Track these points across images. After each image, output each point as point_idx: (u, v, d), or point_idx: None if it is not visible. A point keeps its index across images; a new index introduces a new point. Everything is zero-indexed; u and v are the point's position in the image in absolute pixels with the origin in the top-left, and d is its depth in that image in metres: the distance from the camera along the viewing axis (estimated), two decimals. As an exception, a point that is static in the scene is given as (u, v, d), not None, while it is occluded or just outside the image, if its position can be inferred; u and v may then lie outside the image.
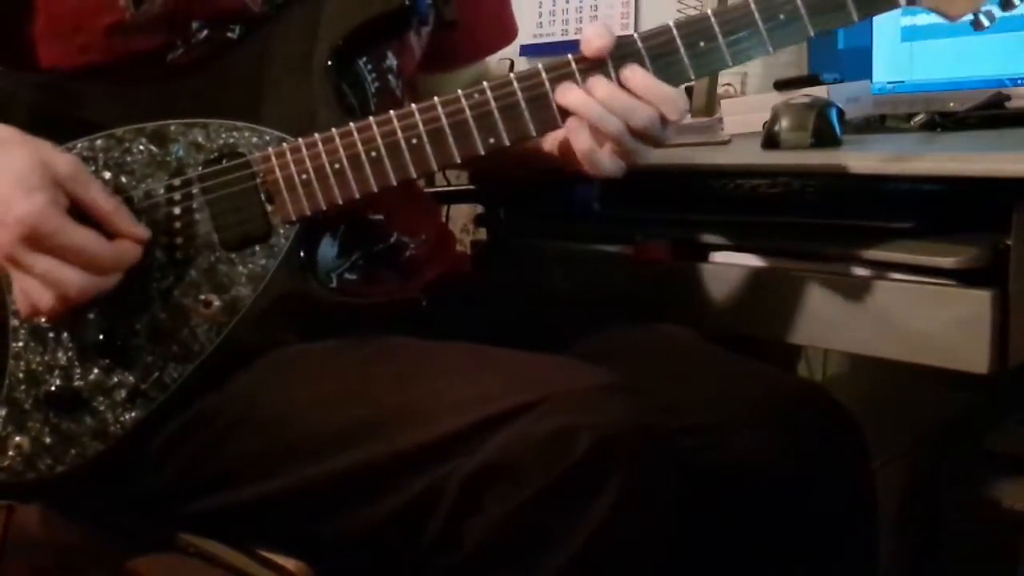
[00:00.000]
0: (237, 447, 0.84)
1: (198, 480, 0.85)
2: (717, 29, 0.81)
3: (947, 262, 0.88)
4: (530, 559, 0.73)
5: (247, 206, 0.86)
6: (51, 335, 0.86)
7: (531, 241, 1.26)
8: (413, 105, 0.84)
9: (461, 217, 1.83)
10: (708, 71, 0.84)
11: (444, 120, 0.84)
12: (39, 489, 0.87)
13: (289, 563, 0.84)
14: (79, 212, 0.80)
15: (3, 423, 0.85)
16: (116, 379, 0.85)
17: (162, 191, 0.87)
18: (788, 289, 1.00)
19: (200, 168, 0.87)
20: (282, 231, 0.87)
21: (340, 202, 0.86)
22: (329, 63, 0.88)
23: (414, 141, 0.84)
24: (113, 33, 0.88)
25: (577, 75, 0.83)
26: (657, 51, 0.83)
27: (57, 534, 0.96)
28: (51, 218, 0.77)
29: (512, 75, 0.84)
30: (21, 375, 0.86)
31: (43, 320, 0.84)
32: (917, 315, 0.90)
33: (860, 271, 0.95)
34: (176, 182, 0.87)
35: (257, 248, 0.87)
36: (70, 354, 0.85)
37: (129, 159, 0.87)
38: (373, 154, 0.85)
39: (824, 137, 1.06)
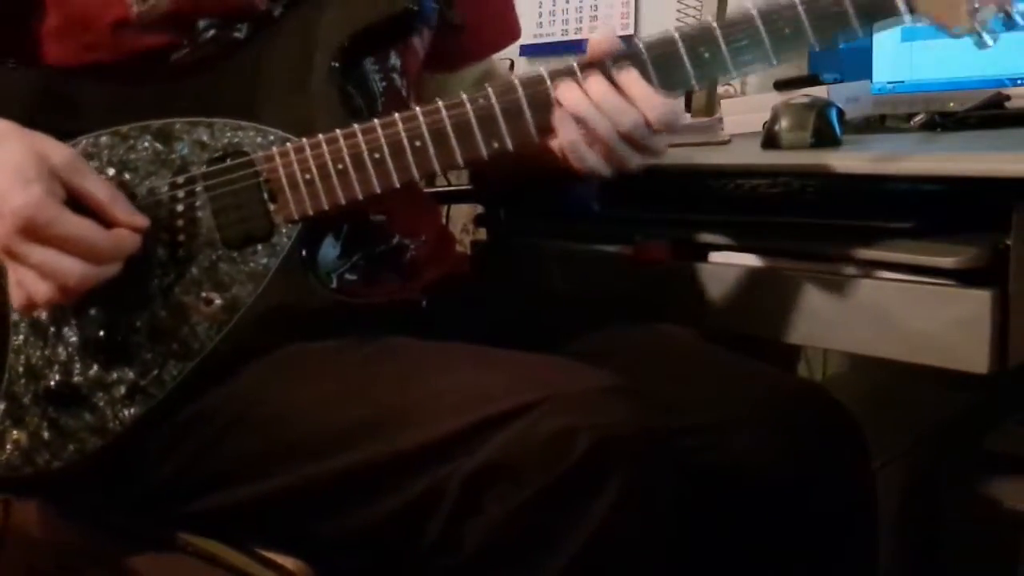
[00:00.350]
0: (237, 446, 0.84)
1: (198, 479, 0.85)
2: (721, 40, 0.82)
3: (947, 262, 0.88)
4: (530, 560, 0.73)
5: (250, 205, 0.86)
6: (51, 330, 0.86)
7: (531, 241, 1.26)
8: (417, 107, 0.85)
9: (461, 217, 1.83)
10: (710, 80, 0.84)
11: (447, 122, 0.84)
12: (36, 484, 0.87)
13: (289, 563, 0.84)
14: (77, 204, 0.80)
15: (2, 417, 0.86)
16: (116, 375, 0.85)
17: (165, 189, 0.87)
18: (788, 289, 1.00)
19: (204, 166, 0.87)
20: (284, 230, 0.87)
21: (342, 202, 0.86)
22: (334, 64, 0.88)
23: (417, 143, 0.84)
24: (119, 30, 0.88)
25: (580, 79, 0.83)
26: (660, 59, 0.83)
27: (56, 533, 0.96)
28: (48, 208, 0.77)
29: (516, 79, 0.84)
30: (21, 369, 0.86)
31: (38, 313, 0.84)
32: (917, 315, 0.90)
33: (860, 271, 0.95)
34: (179, 180, 0.87)
35: (259, 247, 0.87)
36: (70, 350, 0.86)
37: (133, 156, 0.87)
38: (376, 155, 0.85)
39: (824, 137, 1.06)
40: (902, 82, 1.41)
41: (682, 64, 0.83)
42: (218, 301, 0.86)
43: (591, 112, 0.82)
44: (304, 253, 0.88)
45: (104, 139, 0.87)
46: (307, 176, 0.86)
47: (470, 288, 1.07)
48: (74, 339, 0.86)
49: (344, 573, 0.85)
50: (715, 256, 1.07)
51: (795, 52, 0.82)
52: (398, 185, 0.85)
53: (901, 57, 1.41)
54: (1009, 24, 0.81)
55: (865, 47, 1.45)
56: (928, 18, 0.82)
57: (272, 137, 0.87)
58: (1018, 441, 1.31)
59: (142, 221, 0.83)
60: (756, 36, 0.81)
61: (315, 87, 0.88)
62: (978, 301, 0.86)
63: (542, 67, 0.84)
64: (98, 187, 0.81)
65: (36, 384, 0.86)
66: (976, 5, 0.80)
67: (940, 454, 1.36)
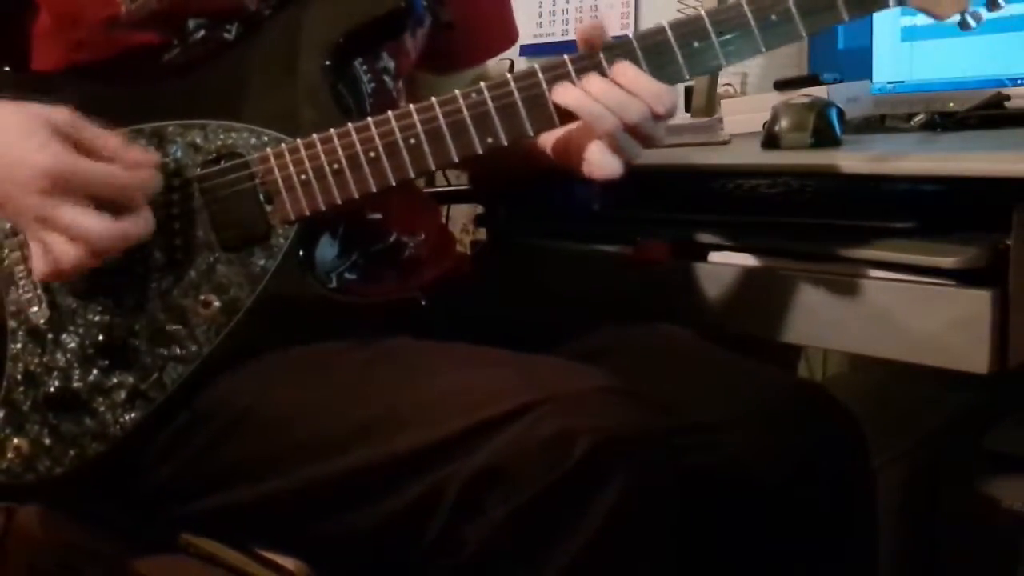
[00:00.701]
0: (236, 448, 0.84)
1: (197, 480, 0.85)
2: (711, 29, 0.82)
3: (947, 262, 0.88)
4: (530, 561, 0.73)
5: (246, 207, 0.86)
6: (50, 336, 0.86)
7: (531, 241, 1.26)
8: (411, 105, 0.85)
9: (461, 217, 1.83)
10: (702, 70, 0.84)
11: (442, 120, 0.84)
12: (39, 490, 0.87)
13: (289, 563, 0.84)
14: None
15: (2, 425, 0.86)
16: (115, 380, 0.85)
17: (161, 192, 0.87)
18: (788, 289, 1.00)
19: (199, 169, 0.87)
20: (281, 231, 0.87)
21: (339, 202, 0.86)
22: (327, 63, 0.88)
23: (412, 141, 0.84)
24: (110, 28, 0.88)
25: (573, 74, 0.83)
26: (652, 51, 0.83)
27: (57, 534, 0.96)
28: (70, 160, 0.76)
29: (509, 75, 0.84)
30: (20, 376, 0.86)
31: (65, 279, 0.83)
32: (917, 315, 0.90)
33: (860, 271, 0.95)
34: (175, 183, 0.87)
35: (256, 248, 0.87)
36: (69, 355, 0.86)
37: None
38: (371, 154, 0.85)
39: (824, 137, 1.06)
40: (902, 82, 1.41)
41: (673, 54, 0.83)
42: (216, 303, 0.86)
43: (597, 111, 0.82)
44: (302, 253, 0.87)
45: None
46: (303, 177, 0.86)
47: (470, 288, 1.07)
48: (73, 345, 0.85)
49: (344, 574, 0.85)
50: (715, 256, 1.07)
51: (786, 41, 0.82)
52: (394, 183, 0.85)
53: (901, 57, 1.41)
54: (992, 4, 0.82)
55: (865, 47, 1.45)
56: (914, 4, 0.82)
57: (266, 138, 0.87)
58: (1018, 441, 1.30)
59: (153, 156, 0.83)
60: (745, 25, 0.81)
61: (307, 87, 0.88)
62: (978, 301, 0.86)
63: (536, 63, 0.84)
64: (104, 135, 0.80)
65: (36, 391, 0.85)
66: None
67: (940, 454, 1.36)
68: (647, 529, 0.74)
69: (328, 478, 0.79)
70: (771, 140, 1.09)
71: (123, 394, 0.85)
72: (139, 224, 0.80)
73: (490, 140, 0.84)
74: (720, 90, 1.59)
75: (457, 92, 0.84)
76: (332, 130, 0.85)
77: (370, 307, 0.91)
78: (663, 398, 0.83)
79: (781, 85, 1.34)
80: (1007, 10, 0.87)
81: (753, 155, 1.09)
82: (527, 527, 0.73)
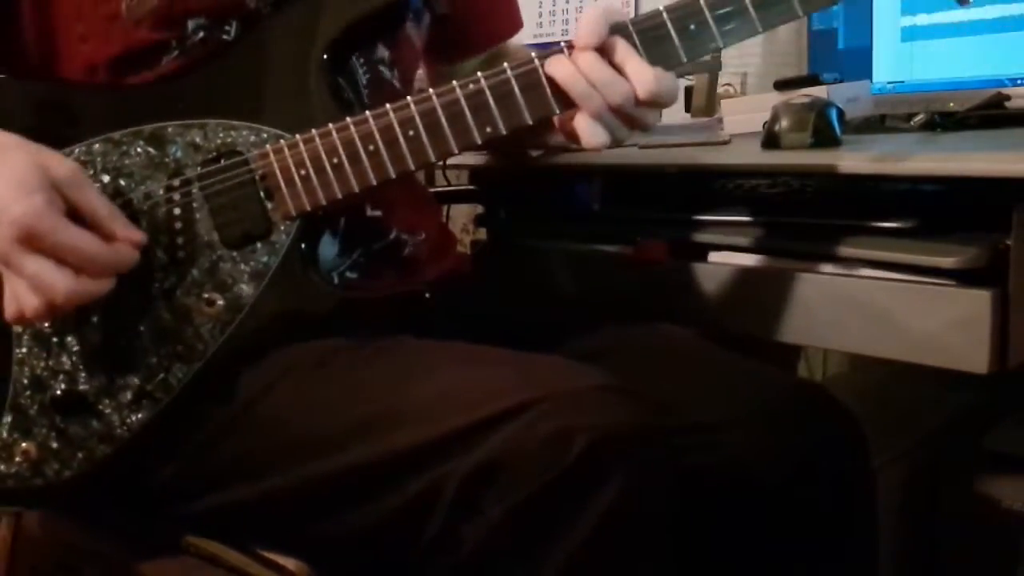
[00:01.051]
0: (236, 445, 0.84)
1: (199, 478, 0.85)
2: (707, 11, 0.81)
3: (947, 262, 0.87)
4: (528, 559, 0.73)
5: (247, 204, 0.86)
6: (55, 340, 0.86)
7: (531, 241, 1.26)
8: (409, 97, 0.84)
9: (461, 217, 1.83)
10: (700, 53, 0.83)
11: (440, 111, 0.84)
12: (47, 495, 0.87)
13: (289, 563, 0.84)
14: (76, 218, 0.80)
15: (9, 429, 0.85)
16: (121, 381, 0.85)
17: (161, 192, 0.87)
18: (788, 289, 1.00)
19: (199, 168, 0.87)
20: (283, 227, 0.87)
21: (339, 196, 0.86)
22: (324, 59, 0.88)
23: (411, 133, 0.84)
24: (110, 23, 0.88)
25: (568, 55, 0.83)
26: (648, 34, 0.82)
27: (57, 534, 0.96)
28: (48, 218, 0.77)
29: (506, 64, 0.84)
30: (26, 381, 0.86)
31: (26, 325, 0.84)
32: (917, 315, 0.90)
33: (860, 271, 0.95)
34: (175, 183, 0.87)
35: (258, 245, 0.87)
36: (74, 358, 0.85)
37: (127, 162, 0.87)
38: (371, 147, 0.85)
39: (824, 137, 1.06)
40: (902, 82, 1.41)
41: (669, 37, 0.82)
42: (220, 301, 0.86)
43: (585, 90, 0.82)
44: (304, 249, 0.87)
45: (97, 146, 0.87)
46: (302, 172, 0.86)
47: (470, 288, 1.07)
48: (78, 347, 0.85)
49: (344, 573, 0.85)
50: (715, 256, 1.07)
51: (782, 20, 0.82)
52: (394, 176, 0.85)
53: (901, 57, 1.41)
54: None
55: (865, 47, 1.45)
56: None
57: (265, 135, 0.87)
58: (1018, 441, 1.30)
59: (140, 236, 0.83)
60: (741, 4, 0.81)
61: (305, 83, 0.87)
62: (978, 301, 0.86)
63: (533, 52, 0.84)
64: (98, 202, 0.81)
65: (42, 394, 0.85)
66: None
67: (940, 454, 1.36)
68: (645, 528, 0.74)
69: (327, 475, 0.79)
70: (771, 140, 1.09)
71: (129, 395, 0.85)
72: (100, 286, 0.80)
73: (489, 129, 0.84)
74: (720, 90, 1.59)
75: (455, 82, 0.84)
76: (330, 125, 0.85)
77: (373, 302, 0.91)
78: (663, 398, 0.83)
79: (781, 85, 1.34)
80: (1007, 10, 0.87)
81: (753, 155, 1.09)
82: (525, 525, 0.73)
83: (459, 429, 0.74)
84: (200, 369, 0.85)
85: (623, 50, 0.82)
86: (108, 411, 0.85)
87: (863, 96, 1.31)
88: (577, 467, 0.71)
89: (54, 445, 0.85)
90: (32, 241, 0.76)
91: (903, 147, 1.06)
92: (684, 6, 0.82)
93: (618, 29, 0.83)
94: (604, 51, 0.82)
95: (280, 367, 0.85)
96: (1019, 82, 1.28)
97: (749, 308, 1.04)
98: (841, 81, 1.31)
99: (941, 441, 1.40)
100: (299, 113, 0.87)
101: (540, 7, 2.19)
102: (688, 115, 1.50)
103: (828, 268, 0.97)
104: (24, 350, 0.86)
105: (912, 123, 1.22)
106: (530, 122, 0.84)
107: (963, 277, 0.88)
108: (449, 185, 1.54)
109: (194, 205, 0.87)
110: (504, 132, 0.84)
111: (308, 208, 0.86)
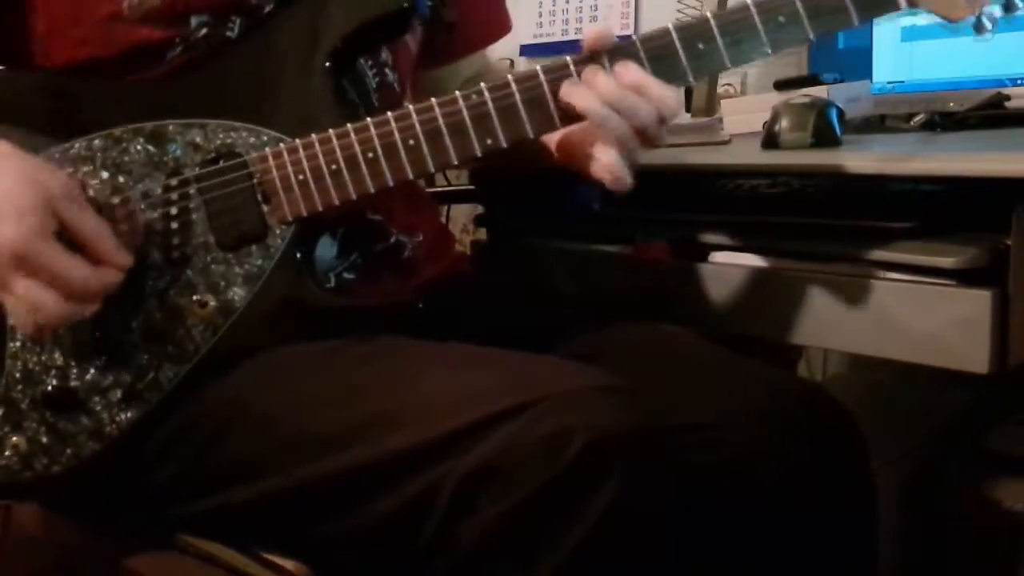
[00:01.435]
0: (232, 448, 0.84)
1: (195, 480, 0.85)
2: (716, 31, 0.81)
3: (947, 262, 0.87)
4: (527, 559, 0.73)
5: (244, 206, 0.86)
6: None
7: (531, 241, 1.26)
8: (410, 106, 0.84)
9: (461, 217, 1.83)
10: (707, 73, 0.84)
11: (441, 121, 0.84)
12: (36, 488, 0.87)
13: (289, 563, 0.84)
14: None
15: (1, 422, 0.86)
16: (112, 379, 0.85)
17: (159, 191, 0.87)
18: (788, 289, 1.00)
19: (197, 168, 0.87)
20: (278, 232, 0.87)
21: (336, 202, 0.86)
22: (328, 63, 0.88)
23: (411, 142, 0.84)
24: (112, 24, 0.88)
25: (575, 76, 0.83)
26: (656, 53, 0.82)
27: (57, 534, 0.96)
28: (37, 243, 0.76)
29: (510, 76, 0.84)
30: (18, 375, 0.86)
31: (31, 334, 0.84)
32: (917, 315, 0.90)
33: (860, 271, 0.94)
34: (173, 182, 0.87)
35: (253, 248, 0.86)
36: (66, 354, 0.85)
37: (127, 159, 0.87)
38: (370, 155, 0.85)
39: (824, 137, 1.06)
40: (902, 82, 1.41)
41: (677, 58, 0.82)
42: (213, 303, 0.86)
43: (603, 111, 0.81)
44: (299, 254, 0.87)
45: (97, 142, 0.87)
46: (300, 177, 0.85)
47: (470, 288, 1.07)
48: (70, 343, 0.85)
49: (343, 573, 0.85)
50: (715, 256, 1.07)
51: (793, 45, 0.82)
52: (392, 184, 0.85)
53: (901, 57, 1.41)
54: (1009, 6, 0.81)
55: (865, 47, 1.45)
56: (927, 9, 0.81)
57: (266, 138, 0.87)
58: (1018, 441, 1.30)
59: (126, 259, 0.82)
60: (752, 28, 0.81)
61: (308, 87, 0.88)
62: (978, 301, 0.86)
63: (538, 64, 0.84)
64: (87, 222, 0.80)
65: (34, 389, 0.86)
66: (973, -10, 0.79)
67: (940, 454, 1.36)
68: (643, 528, 0.74)
69: (324, 476, 0.79)
70: (771, 140, 1.09)
71: (119, 393, 0.85)
72: (85, 309, 0.80)
73: (489, 142, 0.84)
74: (720, 90, 1.59)
75: (457, 93, 0.84)
76: (331, 131, 0.85)
77: (366, 310, 0.91)
78: (663, 398, 0.83)
79: (781, 85, 1.34)
80: (1007, 10, 0.87)
81: (753, 155, 1.09)
82: (523, 525, 0.72)
83: (457, 429, 0.74)
84: (190, 370, 0.85)
85: (634, 72, 0.82)
86: (98, 408, 0.85)
87: (863, 96, 1.32)
88: (575, 467, 0.71)
89: (44, 440, 0.85)
90: (22, 264, 0.76)
91: (903, 147, 1.06)
92: (694, 27, 0.82)
93: (626, 48, 0.82)
94: (615, 72, 0.82)
95: (276, 367, 0.85)
96: (1019, 82, 1.28)
97: (749, 308, 1.04)
98: (841, 81, 1.31)
99: (941, 441, 1.40)
100: (301, 115, 0.87)
101: (540, 7, 2.19)
102: (688, 115, 1.50)
103: (828, 268, 0.97)
104: (18, 344, 0.86)
105: (912, 123, 1.22)
106: (532, 136, 0.84)
107: (963, 277, 0.87)
108: (449, 185, 1.54)
109: (191, 206, 0.87)
110: (504, 145, 0.84)
111: (304, 213, 0.86)
